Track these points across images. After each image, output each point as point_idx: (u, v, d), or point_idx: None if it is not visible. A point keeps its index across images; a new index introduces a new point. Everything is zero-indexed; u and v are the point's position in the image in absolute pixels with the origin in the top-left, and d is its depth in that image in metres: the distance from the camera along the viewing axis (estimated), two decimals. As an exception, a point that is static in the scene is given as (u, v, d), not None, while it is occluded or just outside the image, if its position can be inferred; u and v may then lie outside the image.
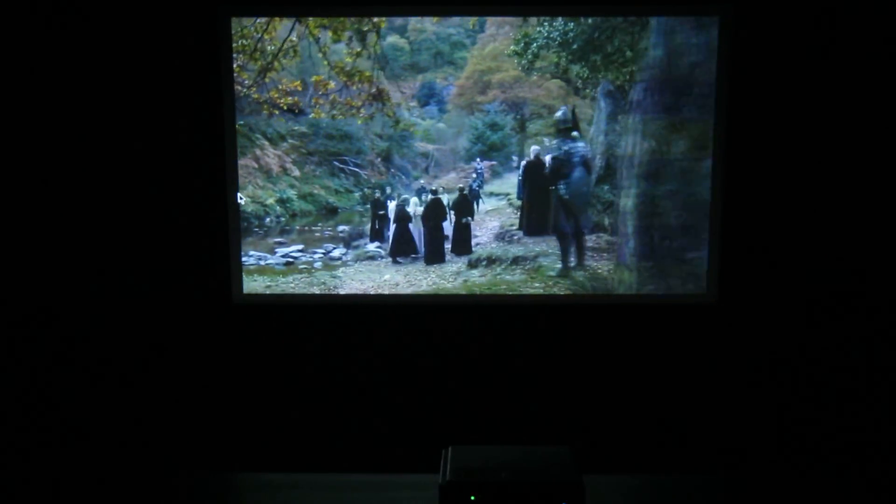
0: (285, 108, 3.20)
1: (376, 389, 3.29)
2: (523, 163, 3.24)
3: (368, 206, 3.31)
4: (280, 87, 3.19)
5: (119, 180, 3.17)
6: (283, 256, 3.30)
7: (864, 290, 3.17)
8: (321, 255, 3.31)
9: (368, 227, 3.31)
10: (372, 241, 3.32)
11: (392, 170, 3.29)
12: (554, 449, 1.80)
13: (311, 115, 3.22)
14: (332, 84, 3.20)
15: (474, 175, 3.27)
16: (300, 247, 3.31)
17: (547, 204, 3.27)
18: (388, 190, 3.30)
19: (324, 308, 3.25)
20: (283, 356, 3.28)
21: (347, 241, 3.32)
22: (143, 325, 3.24)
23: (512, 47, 3.17)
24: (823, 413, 3.23)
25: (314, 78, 3.20)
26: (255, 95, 3.19)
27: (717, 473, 2.47)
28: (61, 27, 3.07)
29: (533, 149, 3.23)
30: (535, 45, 3.15)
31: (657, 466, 3.21)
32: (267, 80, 3.18)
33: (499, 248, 3.28)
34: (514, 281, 3.25)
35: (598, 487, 1.79)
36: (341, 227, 3.32)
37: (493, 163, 3.27)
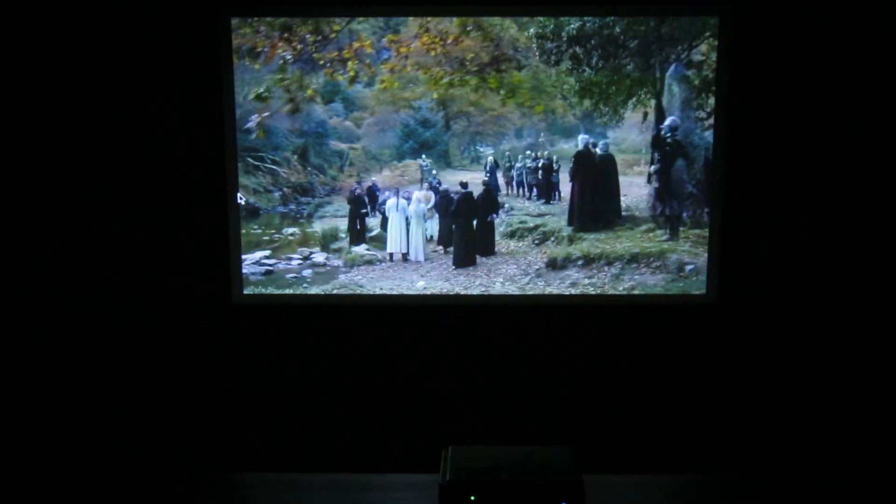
0: (353, 72, 2.99)
1: (376, 389, 3.29)
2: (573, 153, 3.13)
3: (286, 206, 3.17)
4: (354, 43, 2.96)
5: (119, 180, 3.16)
6: (258, 265, 3.20)
7: (864, 289, 3.16)
8: (300, 262, 3.22)
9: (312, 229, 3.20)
10: (356, 243, 3.23)
11: (308, 168, 3.19)
12: (554, 449, 1.80)
13: (381, 86, 3.07)
14: (410, 47, 3.00)
15: (434, 172, 3.20)
16: (266, 252, 3.21)
17: (600, 196, 3.17)
18: (359, 187, 3.17)
19: (324, 308, 3.25)
20: (283, 356, 3.28)
21: (325, 245, 3.22)
22: (143, 325, 3.24)
23: (533, 30, 3.06)
24: (824, 413, 3.23)
25: (387, 37, 2.98)
26: (317, 55, 3.01)
27: (718, 473, 2.47)
28: (61, 27, 3.07)
29: (581, 138, 3.14)
30: (570, 27, 3.03)
31: (657, 466, 3.21)
32: (334, 35, 2.98)
33: (546, 247, 3.17)
34: (668, 284, 3.12)
35: (598, 487, 1.79)
36: (290, 230, 3.20)
37: (429, 160, 3.20)
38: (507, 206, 3.24)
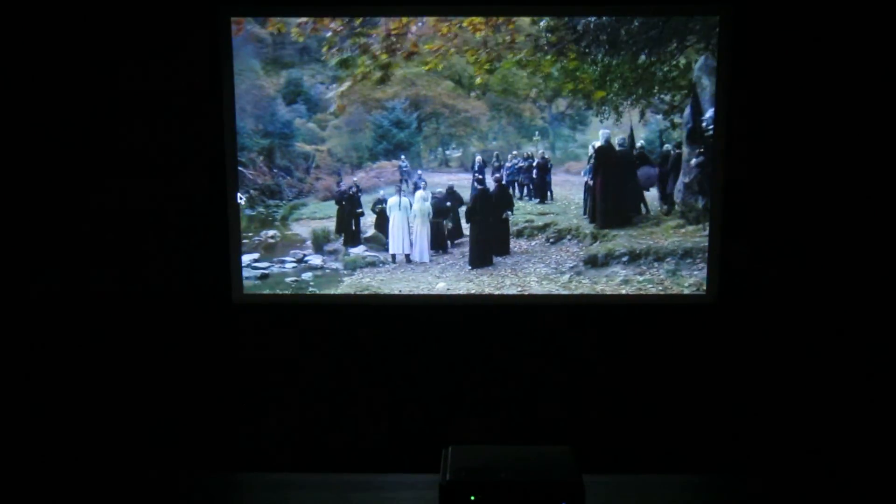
0: (385, 58, 2.93)
1: (376, 389, 3.29)
2: (595, 144, 3.06)
3: (252, 209, 3.10)
4: (393, 24, 2.89)
5: (119, 180, 3.16)
6: (250, 268, 3.15)
7: (864, 289, 3.16)
8: (294, 265, 3.17)
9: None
10: (352, 244, 3.18)
11: (274, 170, 3.14)
12: (554, 449, 1.80)
13: (425, 67, 3.00)
14: (443, 28, 2.93)
15: (420, 172, 3.12)
16: (255, 255, 3.16)
17: (622, 192, 3.10)
18: (355, 186, 3.10)
19: (324, 308, 3.24)
20: (283, 356, 3.28)
21: (318, 247, 3.17)
22: (143, 325, 3.24)
23: (544, 22, 3.01)
24: (823, 413, 3.23)
25: (431, 20, 2.92)
26: (354, 38, 2.96)
27: (718, 473, 2.48)
28: (61, 27, 3.07)
29: (602, 133, 3.08)
30: (587, 20, 2.97)
31: (657, 466, 3.21)
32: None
33: (585, 245, 3.08)
34: None
35: (598, 487, 1.79)
36: (270, 232, 3.14)
37: (408, 161, 3.11)
38: None
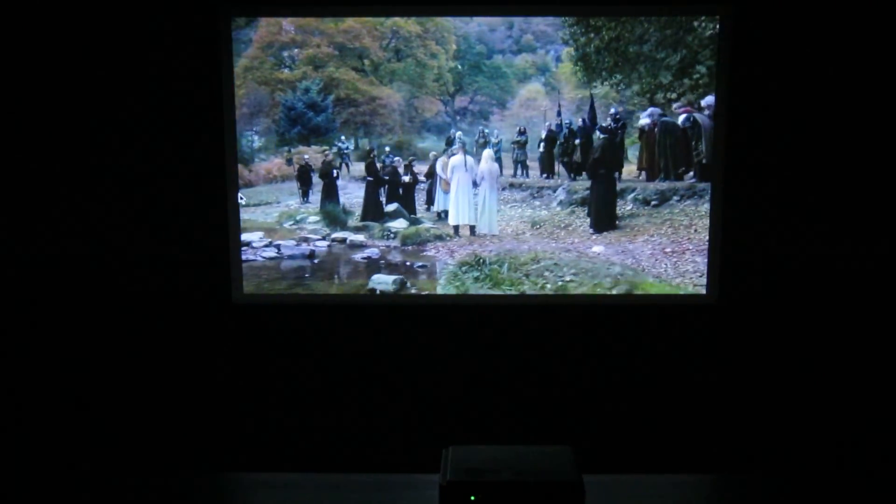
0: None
1: (376, 389, 3.29)
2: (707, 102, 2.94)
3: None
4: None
5: (119, 180, 3.17)
6: (280, 247, 3.03)
7: (863, 289, 3.16)
8: (327, 244, 3.05)
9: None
10: (375, 219, 2.95)
11: None
12: (554, 449, 1.79)
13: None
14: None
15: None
16: (260, 234, 3.02)
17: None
18: (374, 153, 2.90)
19: (324, 308, 3.25)
20: (283, 356, 3.28)
21: (341, 223, 2.99)
22: (143, 325, 3.24)
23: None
24: (823, 413, 3.23)
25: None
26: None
27: (718, 473, 2.47)
28: (62, 27, 3.07)
29: (709, 98, 2.99)
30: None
31: (657, 466, 3.21)
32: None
33: None
34: None
35: (598, 487, 1.79)
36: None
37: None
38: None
